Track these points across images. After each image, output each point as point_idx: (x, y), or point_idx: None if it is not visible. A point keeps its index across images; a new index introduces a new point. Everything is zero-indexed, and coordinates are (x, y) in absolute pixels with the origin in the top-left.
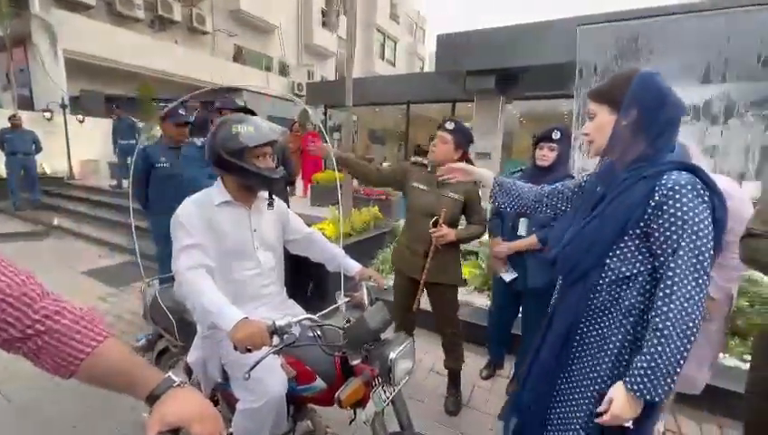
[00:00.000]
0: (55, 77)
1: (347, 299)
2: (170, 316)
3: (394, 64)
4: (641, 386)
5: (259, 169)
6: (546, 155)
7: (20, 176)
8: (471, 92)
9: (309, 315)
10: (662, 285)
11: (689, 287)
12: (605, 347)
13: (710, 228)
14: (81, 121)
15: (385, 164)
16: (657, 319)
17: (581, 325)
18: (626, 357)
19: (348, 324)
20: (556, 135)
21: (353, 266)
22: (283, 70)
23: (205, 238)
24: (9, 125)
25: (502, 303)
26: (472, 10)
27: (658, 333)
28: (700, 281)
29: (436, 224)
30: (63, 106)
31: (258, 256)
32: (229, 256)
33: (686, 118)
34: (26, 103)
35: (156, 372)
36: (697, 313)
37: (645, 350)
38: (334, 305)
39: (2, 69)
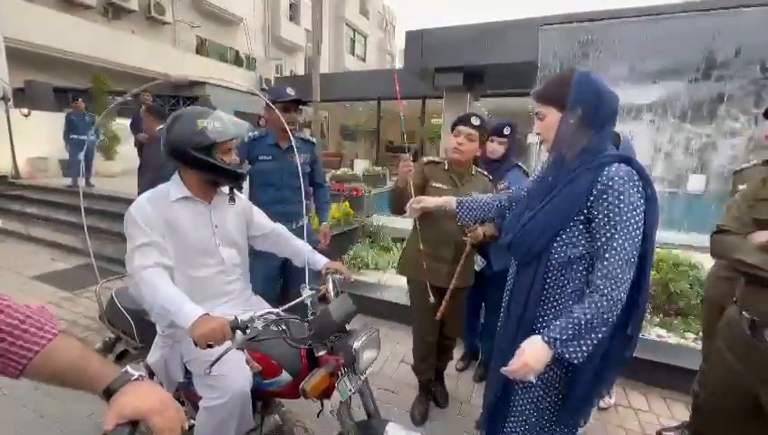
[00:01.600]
0: None
1: (312, 292)
2: (128, 317)
3: (364, 60)
4: (556, 339)
5: (227, 164)
6: (495, 148)
7: None
8: (440, 89)
9: (272, 309)
10: (599, 265)
11: (620, 266)
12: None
13: (641, 215)
14: (27, 115)
15: (358, 161)
16: (590, 290)
17: (539, 309)
18: None
19: (313, 317)
20: (507, 130)
21: (320, 260)
22: (250, 63)
23: (161, 236)
24: None
25: (469, 292)
26: (441, 8)
27: (588, 302)
28: (630, 261)
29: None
30: (5, 99)
31: (221, 252)
32: (190, 254)
33: (633, 115)
34: None
35: (112, 366)
36: (623, 291)
37: (570, 313)
38: (299, 299)
39: None
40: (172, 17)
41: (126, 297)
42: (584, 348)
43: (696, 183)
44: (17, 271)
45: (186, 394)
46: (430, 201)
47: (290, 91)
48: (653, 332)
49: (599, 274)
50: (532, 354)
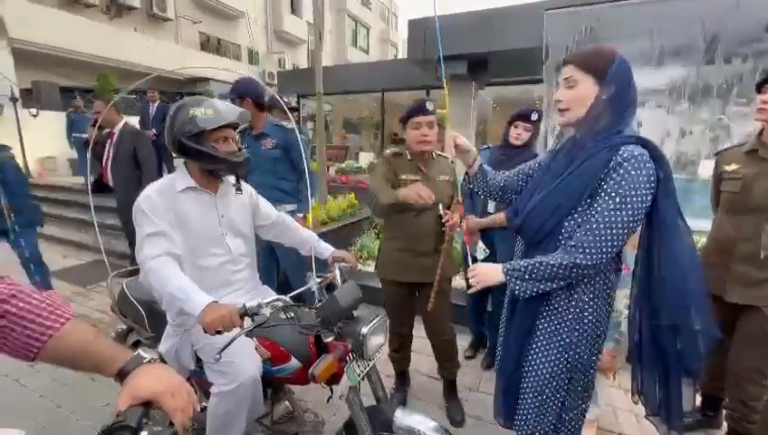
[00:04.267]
0: (2, 68)
1: (319, 280)
2: (139, 308)
3: (367, 52)
4: (513, 267)
5: (218, 152)
6: (521, 134)
7: None
8: (441, 79)
9: (280, 296)
10: (584, 227)
11: (601, 233)
12: (569, 307)
13: (640, 196)
14: (35, 115)
15: (362, 153)
16: (566, 245)
17: (549, 295)
18: (587, 317)
19: (321, 304)
20: (534, 116)
21: (326, 249)
22: (253, 58)
23: (169, 226)
24: None
25: None
26: None
27: (560, 253)
28: (614, 233)
29: (448, 208)
30: (14, 99)
31: (227, 242)
32: (197, 243)
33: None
34: None
35: (125, 350)
36: (596, 257)
37: (539, 258)
38: (306, 286)
39: None
40: (174, 13)
41: (137, 289)
42: (532, 288)
43: (708, 168)
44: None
45: (197, 382)
46: (464, 141)
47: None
48: None
49: (579, 234)
50: (488, 271)
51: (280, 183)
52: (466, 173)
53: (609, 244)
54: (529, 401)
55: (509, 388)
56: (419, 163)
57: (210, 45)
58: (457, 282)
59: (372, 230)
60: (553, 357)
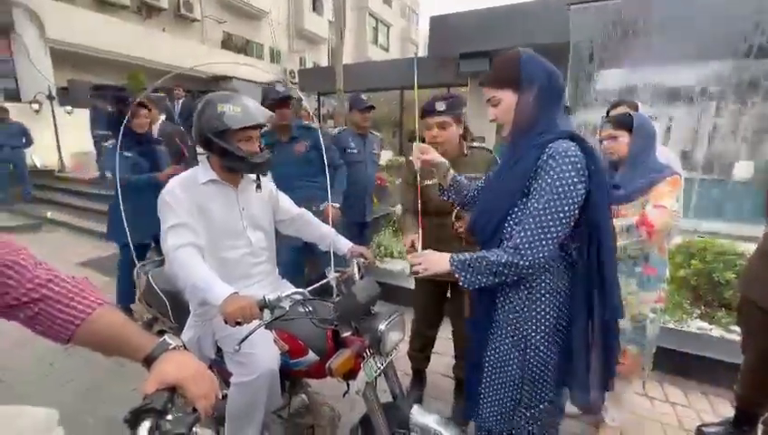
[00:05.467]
0: (41, 67)
1: (337, 274)
2: (164, 298)
3: (387, 50)
4: (458, 259)
5: (242, 151)
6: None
7: (10, 170)
8: (465, 76)
9: (299, 290)
10: (519, 227)
11: (537, 233)
12: (523, 300)
13: (573, 190)
14: (70, 113)
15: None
16: (508, 244)
17: (500, 287)
18: (542, 310)
19: (339, 298)
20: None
21: (344, 244)
22: (274, 57)
23: (192, 217)
24: None
25: None
26: None
27: (503, 250)
28: (549, 231)
29: (458, 217)
30: (51, 97)
31: (248, 235)
32: (218, 235)
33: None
34: (12, 95)
35: (151, 336)
36: (536, 257)
37: (485, 252)
38: (324, 281)
39: None
40: (200, 13)
41: (162, 279)
42: (475, 280)
43: (742, 170)
44: (65, 258)
45: (218, 371)
46: (435, 155)
47: (279, 88)
48: (693, 324)
49: (518, 235)
50: (434, 258)
51: (317, 181)
52: (440, 185)
53: (544, 243)
54: (486, 396)
55: (471, 380)
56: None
57: (232, 44)
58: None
59: (390, 227)
60: (507, 350)
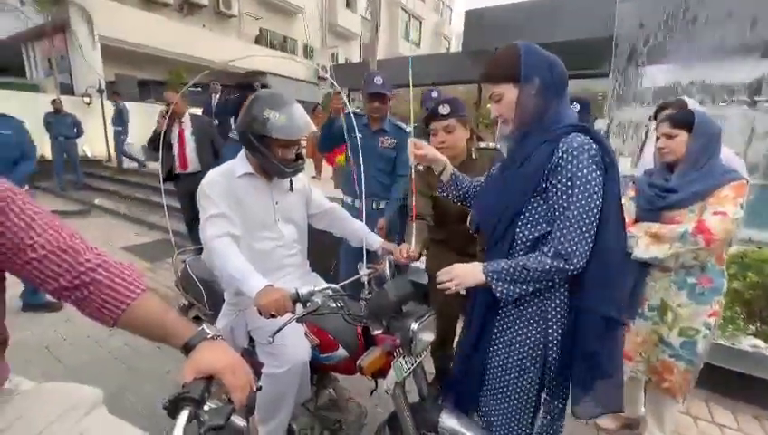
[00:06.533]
0: (93, 63)
1: (369, 271)
2: (199, 285)
3: (419, 45)
4: (493, 268)
5: (277, 158)
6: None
7: (64, 159)
8: None
9: (332, 285)
10: (555, 233)
11: (576, 237)
12: (529, 309)
13: (599, 187)
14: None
15: None
16: (546, 247)
17: None
18: (550, 317)
19: (370, 295)
20: (574, 108)
21: (376, 241)
22: (307, 53)
23: (229, 208)
24: (52, 109)
25: None
26: None
27: (541, 256)
28: (587, 232)
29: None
30: (100, 91)
31: (279, 227)
32: (252, 227)
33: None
34: (67, 89)
35: (190, 324)
36: (578, 260)
37: (520, 260)
38: (356, 277)
39: (44, 55)
40: (238, 10)
41: (198, 267)
42: (514, 289)
43: None
44: (110, 242)
45: (249, 361)
46: (431, 151)
47: (377, 80)
48: (746, 341)
49: (555, 240)
50: (465, 270)
51: (384, 178)
52: (440, 181)
53: (584, 243)
54: (498, 406)
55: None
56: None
57: (266, 39)
58: None
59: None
60: (522, 352)
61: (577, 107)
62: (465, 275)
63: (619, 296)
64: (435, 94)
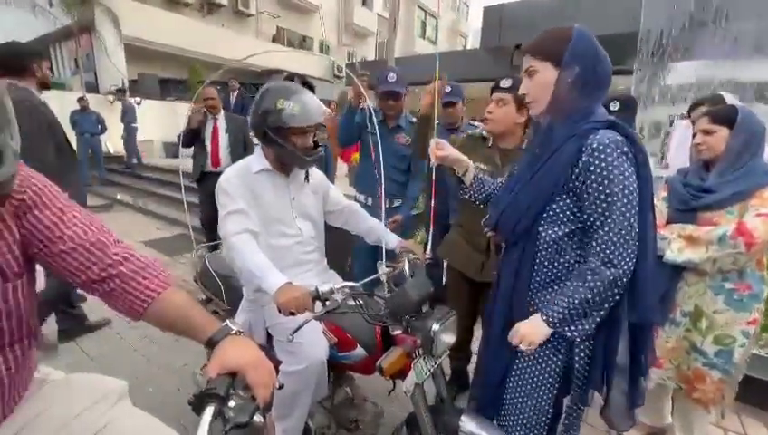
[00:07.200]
0: (116, 62)
1: (389, 270)
2: (218, 281)
3: (435, 43)
4: (554, 314)
5: (296, 148)
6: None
7: (89, 155)
8: (518, 69)
9: (351, 283)
10: (597, 240)
11: (622, 238)
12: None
13: (635, 184)
14: (139, 104)
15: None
16: (586, 267)
17: (529, 291)
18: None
19: (389, 295)
20: (614, 106)
21: (393, 239)
22: (323, 51)
23: (247, 205)
24: (78, 107)
25: None
26: None
27: (583, 280)
28: (632, 232)
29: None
30: (120, 90)
31: (297, 224)
32: (270, 223)
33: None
34: (92, 87)
35: (214, 319)
36: (627, 264)
37: (567, 291)
38: (375, 275)
39: (71, 55)
40: (256, 9)
41: (217, 262)
42: (586, 326)
43: None
44: (131, 236)
45: (270, 357)
46: (453, 152)
47: (390, 77)
48: None
49: (598, 248)
50: (532, 328)
51: (399, 176)
52: (461, 182)
53: (631, 246)
54: (514, 410)
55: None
56: (499, 152)
57: (281, 38)
58: None
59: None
60: (543, 357)
61: (617, 105)
62: (533, 333)
63: (649, 304)
64: (448, 89)
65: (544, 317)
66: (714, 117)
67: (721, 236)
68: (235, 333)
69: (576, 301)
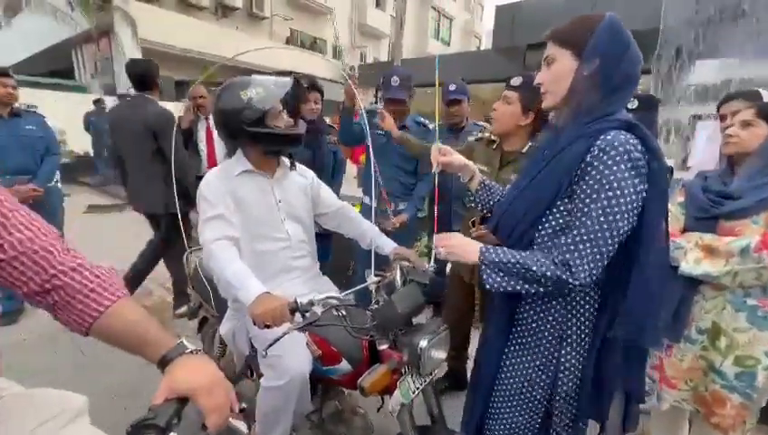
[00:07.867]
0: None
1: (377, 279)
2: (207, 286)
3: (449, 44)
4: (491, 253)
5: (281, 130)
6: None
7: (104, 156)
8: (531, 69)
9: (333, 294)
10: (565, 238)
11: (586, 246)
12: (546, 310)
13: (632, 194)
14: None
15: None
16: (554, 254)
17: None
18: (567, 323)
19: (376, 306)
20: (632, 104)
21: (387, 244)
22: (336, 53)
23: (228, 210)
24: (93, 108)
25: None
26: None
27: (540, 256)
28: (600, 244)
29: (475, 223)
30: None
31: (285, 227)
32: (255, 227)
33: None
34: (111, 89)
35: (169, 336)
36: (583, 274)
37: (519, 251)
38: (362, 285)
39: (91, 58)
40: (269, 12)
41: (207, 266)
42: (503, 284)
43: None
44: (143, 237)
45: (255, 367)
46: (457, 158)
47: (394, 81)
48: None
49: (564, 248)
50: (462, 243)
51: (406, 178)
52: (468, 190)
53: (598, 260)
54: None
55: (477, 398)
56: (496, 155)
57: (295, 40)
58: None
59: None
60: (531, 373)
61: (635, 103)
62: (459, 247)
63: (643, 325)
64: (452, 87)
65: (482, 248)
66: (760, 110)
67: (744, 248)
68: (191, 352)
69: (517, 261)
